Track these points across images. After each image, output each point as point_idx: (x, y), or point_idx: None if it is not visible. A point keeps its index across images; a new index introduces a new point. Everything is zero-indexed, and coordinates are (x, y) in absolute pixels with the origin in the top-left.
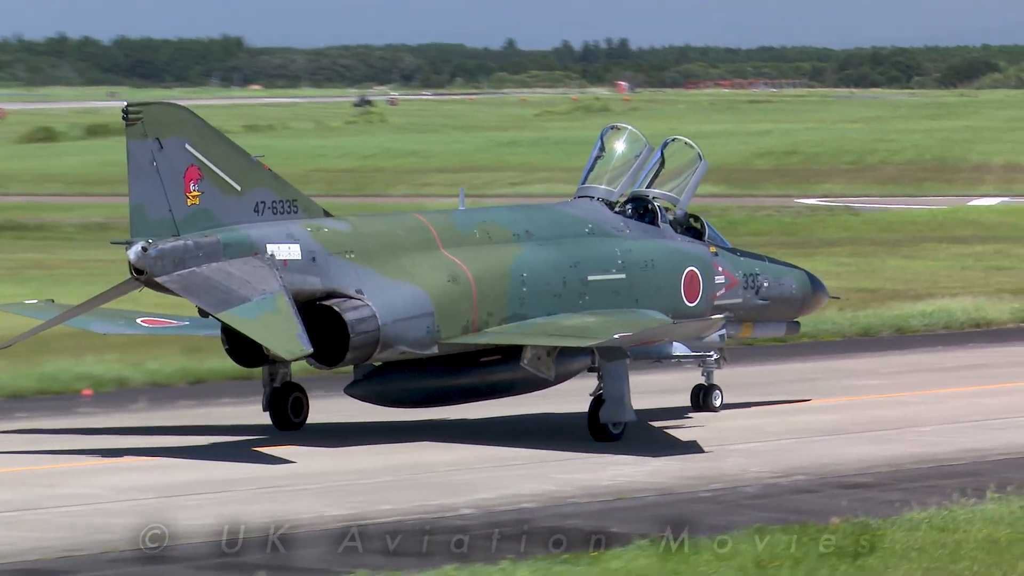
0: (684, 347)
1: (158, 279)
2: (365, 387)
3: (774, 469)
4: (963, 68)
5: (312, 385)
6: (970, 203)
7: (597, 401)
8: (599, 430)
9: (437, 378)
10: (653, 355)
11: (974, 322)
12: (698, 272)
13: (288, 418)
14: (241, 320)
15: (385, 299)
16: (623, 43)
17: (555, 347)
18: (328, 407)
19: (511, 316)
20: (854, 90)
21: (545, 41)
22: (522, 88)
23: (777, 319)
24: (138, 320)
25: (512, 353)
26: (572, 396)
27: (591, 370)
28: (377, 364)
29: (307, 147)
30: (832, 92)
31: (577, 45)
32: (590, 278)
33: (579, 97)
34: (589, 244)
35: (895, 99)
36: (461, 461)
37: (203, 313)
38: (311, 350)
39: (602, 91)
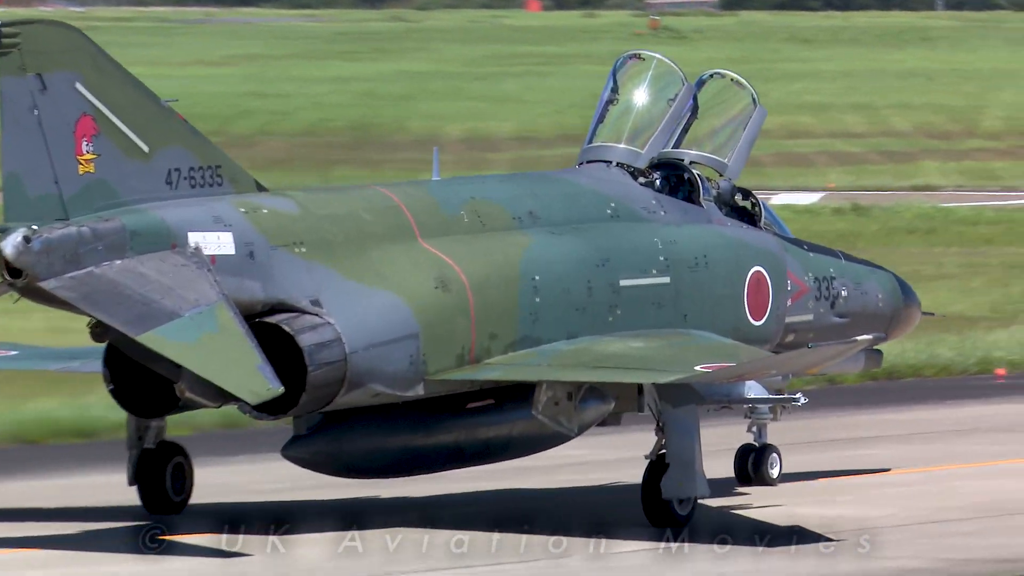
0: (760, 387)
1: (44, 284)
2: (311, 447)
3: None
4: None
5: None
6: None
7: (656, 467)
8: (659, 509)
9: (409, 434)
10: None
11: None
12: (766, 274)
13: (165, 494)
14: (174, 345)
15: (353, 314)
16: None
17: (578, 390)
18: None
19: (521, 340)
20: (214, 10)
21: None
22: None
23: None
24: None
25: (512, 396)
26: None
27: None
28: (323, 413)
29: None
30: (178, 13)
31: None
32: (623, 283)
33: None
34: (618, 232)
35: (284, 25)
36: None
37: (99, 335)
38: (281, 389)
39: None
